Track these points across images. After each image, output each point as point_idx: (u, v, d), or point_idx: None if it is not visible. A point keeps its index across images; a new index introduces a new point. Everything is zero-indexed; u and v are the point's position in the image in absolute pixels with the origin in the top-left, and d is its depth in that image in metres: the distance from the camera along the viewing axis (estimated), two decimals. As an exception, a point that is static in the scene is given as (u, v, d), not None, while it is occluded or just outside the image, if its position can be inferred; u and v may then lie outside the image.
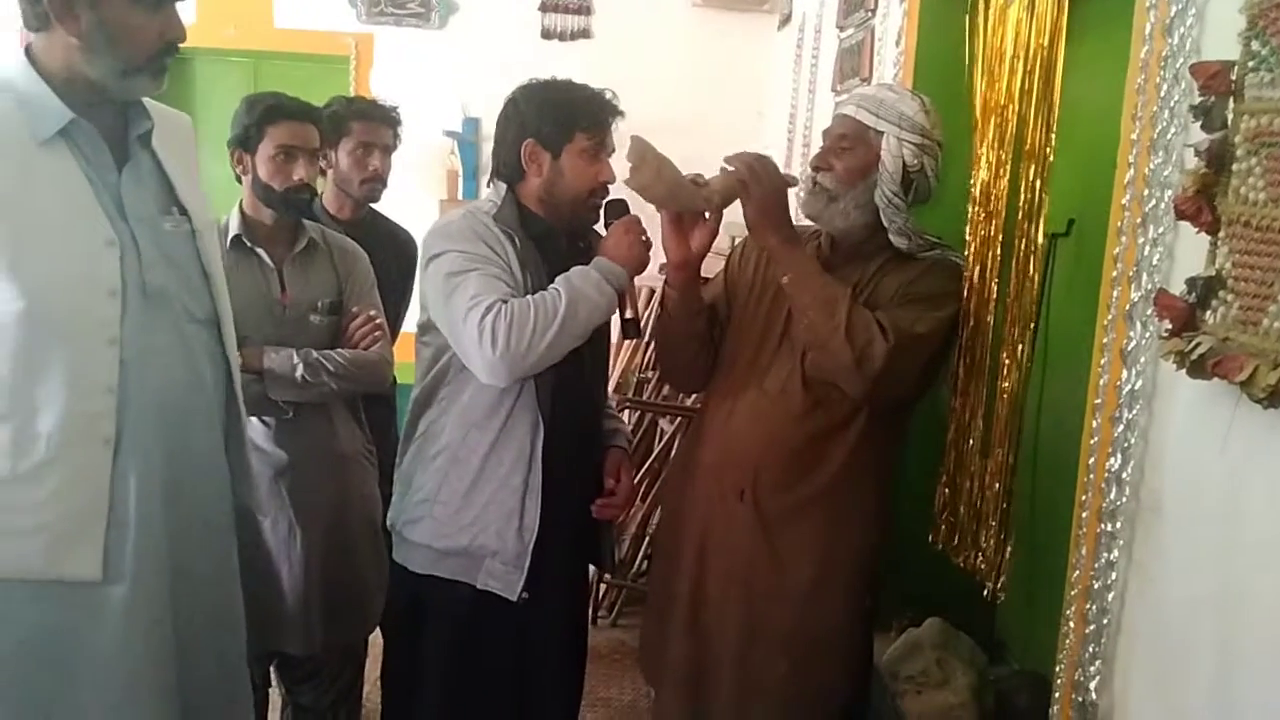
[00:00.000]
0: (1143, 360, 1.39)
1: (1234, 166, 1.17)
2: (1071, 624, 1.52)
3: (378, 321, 2.20)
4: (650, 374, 3.87)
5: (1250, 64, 1.15)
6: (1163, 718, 1.34)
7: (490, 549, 1.86)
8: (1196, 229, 1.23)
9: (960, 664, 2.13)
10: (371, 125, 2.58)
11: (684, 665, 1.93)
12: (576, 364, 1.86)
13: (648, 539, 3.58)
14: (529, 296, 1.76)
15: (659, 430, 3.82)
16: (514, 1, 4.78)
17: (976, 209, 1.98)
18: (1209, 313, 1.21)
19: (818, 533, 1.83)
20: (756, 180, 1.75)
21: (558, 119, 1.84)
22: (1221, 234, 1.20)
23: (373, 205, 2.67)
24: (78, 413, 1.44)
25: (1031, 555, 2.03)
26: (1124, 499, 1.42)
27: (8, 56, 1.47)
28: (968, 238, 1.99)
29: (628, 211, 1.90)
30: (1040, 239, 1.82)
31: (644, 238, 1.87)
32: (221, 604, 1.69)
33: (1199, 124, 1.23)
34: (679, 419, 3.56)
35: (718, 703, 1.90)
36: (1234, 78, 1.18)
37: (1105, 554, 1.44)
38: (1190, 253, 1.28)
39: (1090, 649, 1.46)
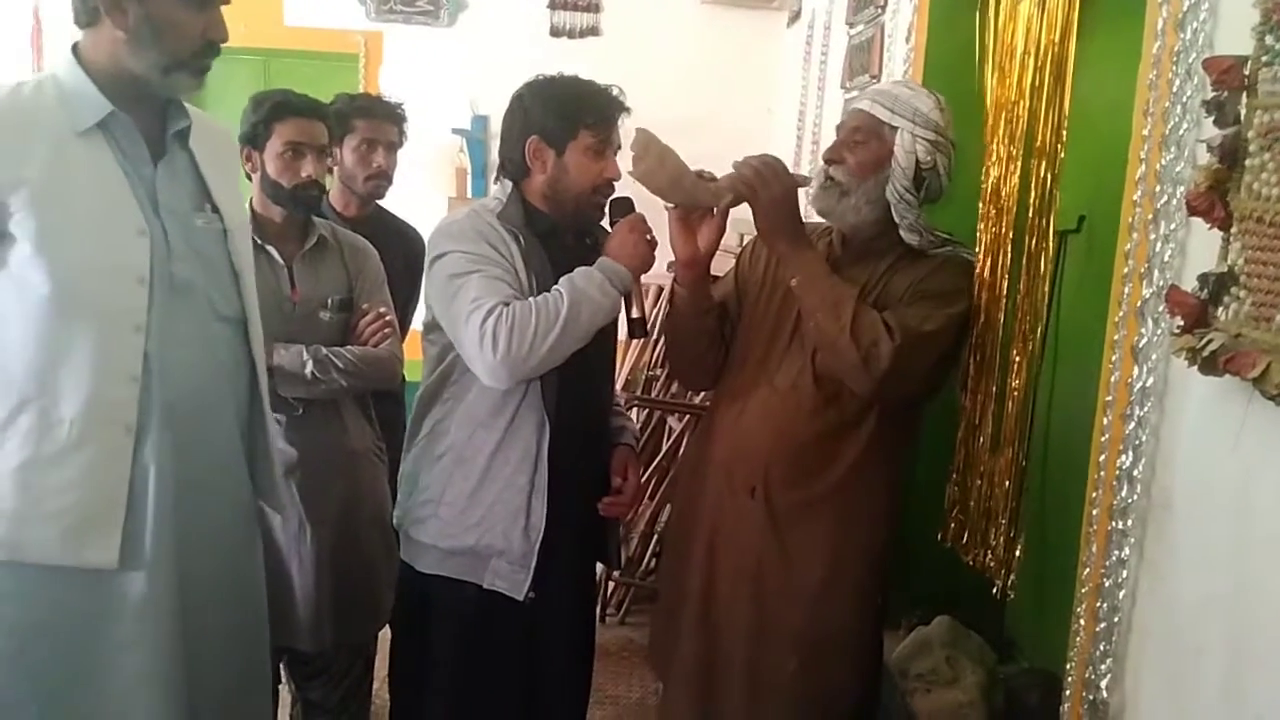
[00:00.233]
0: (1154, 357, 1.38)
1: (1247, 162, 1.17)
2: (1082, 622, 1.51)
3: (388, 318, 2.20)
4: (659, 371, 3.86)
5: (1264, 59, 1.15)
6: (1174, 716, 1.34)
7: (496, 549, 1.85)
8: (1209, 225, 1.23)
9: (970, 662, 2.13)
10: (375, 122, 2.57)
11: (693, 662, 1.93)
12: (582, 363, 1.84)
13: (656, 537, 3.57)
14: (531, 299, 1.75)
15: (667, 428, 3.81)
16: (523, -1, 4.79)
17: (987, 205, 1.98)
18: (1221, 309, 1.21)
19: (828, 531, 1.82)
20: (764, 185, 1.74)
21: (562, 115, 1.82)
22: (1234, 230, 1.19)
23: (380, 203, 2.66)
24: (101, 399, 1.46)
25: (1042, 553, 2.03)
26: (1135, 496, 1.41)
27: (58, 56, 1.53)
28: (979, 234, 1.99)
29: (633, 209, 1.88)
30: (1051, 235, 1.81)
31: (649, 237, 1.85)
32: (241, 599, 1.70)
33: (1211, 119, 1.22)
34: (687, 416, 3.55)
35: (727, 700, 1.89)
36: (1247, 72, 1.17)
37: (1116, 552, 1.44)
38: (1202, 249, 1.27)
39: (1101, 647, 1.46)
